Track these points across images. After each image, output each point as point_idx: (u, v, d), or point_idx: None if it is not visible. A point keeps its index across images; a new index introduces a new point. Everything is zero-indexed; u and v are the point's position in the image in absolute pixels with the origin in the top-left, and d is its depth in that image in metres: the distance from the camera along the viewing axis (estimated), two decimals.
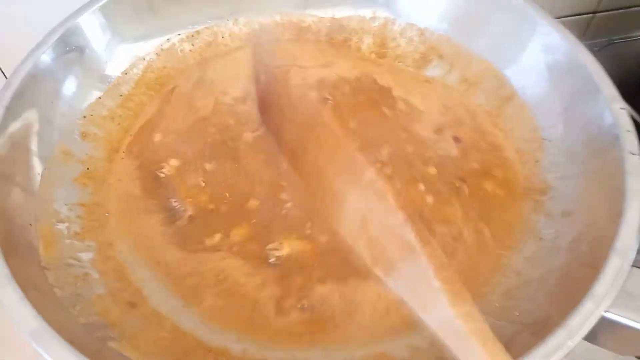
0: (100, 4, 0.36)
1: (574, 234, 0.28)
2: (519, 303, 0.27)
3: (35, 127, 0.31)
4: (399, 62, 0.44)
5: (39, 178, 0.31)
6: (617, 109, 0.31)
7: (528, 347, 0.21)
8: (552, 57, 0.36)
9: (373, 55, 0.45)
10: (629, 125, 0.30)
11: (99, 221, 0.32)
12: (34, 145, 0.31)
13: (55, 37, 0.34)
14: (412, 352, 0.26)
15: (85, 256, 0.29)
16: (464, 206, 0.33)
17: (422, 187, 0.33)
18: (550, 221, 0.31)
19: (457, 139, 0.37)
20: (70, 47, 0.35)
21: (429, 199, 0.33)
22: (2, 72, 0.44)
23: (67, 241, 0.29)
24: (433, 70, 0.43)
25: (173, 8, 0.41)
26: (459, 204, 0.33)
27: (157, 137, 0.37)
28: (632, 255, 0.24)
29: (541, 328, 0.23)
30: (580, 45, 0.35)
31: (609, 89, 0.32)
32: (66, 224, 0.30)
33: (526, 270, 0.29)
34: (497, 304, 0.27)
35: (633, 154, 0.29)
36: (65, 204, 0.31)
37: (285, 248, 0.31)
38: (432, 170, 0.35)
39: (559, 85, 0.35)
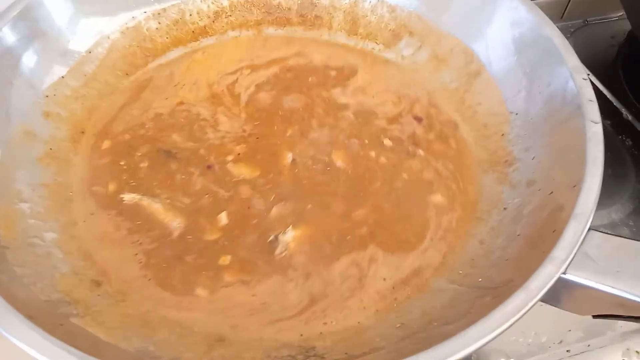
0: None
1: (537, 202, 0.29)
2: (482, 270, 0.27)
3: None
4: (369, 40, 0.44)
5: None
6: (580, 79, 0.31)
7: (488, 309, 0.22)
8: (518, 31, 0.36)
9: (344, 33, 0.44)
10: (591, 95, 0.30)
11: (62, 201, 0.31)
12: None
13: (14, 13, 0.33)
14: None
15: (49, 236, 0.29)
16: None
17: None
18: (515, 191, 0.31)
19: (418, 118, 0.37)
20: (31, 22, 0.34)
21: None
22: None
23: (30, 221, 0.29)
24: (404, 48, 0.43)
25: None
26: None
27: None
28: (590, 219, 0.25)
29: (503, 291, 0.23)
30: (545, 18, 0.35)
31: (573, 60, 0.33)
32: (28, 204, 0.30)
33: (490, 238, 0.29)
34: (461, 272, 0.28)
35: (594, 122, 0.29)
36: (28, 184, 0.31)
37: None
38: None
39: (524, 58, 0.36)
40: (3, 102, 0.31)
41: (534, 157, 0.32)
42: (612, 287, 0.23)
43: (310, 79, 0.40)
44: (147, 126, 0.36)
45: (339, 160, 0.35)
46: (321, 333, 0.26)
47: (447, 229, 0.31)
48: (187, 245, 0.30)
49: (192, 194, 0.32)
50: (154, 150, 0.35)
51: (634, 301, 0.22)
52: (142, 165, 0.33)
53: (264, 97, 0.39)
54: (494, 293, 0.24)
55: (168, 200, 0.32)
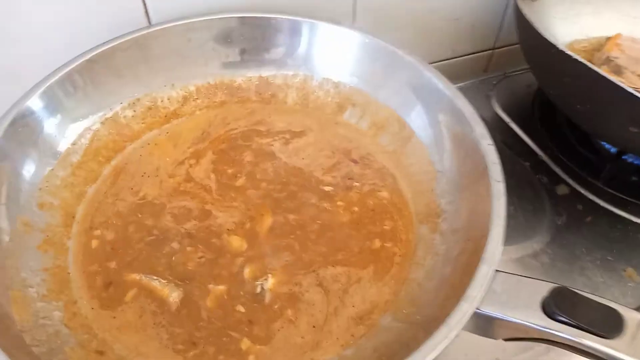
0: (42, 89, 0.41)
1: (459, 248, 0.36)
2: (420, 309, 0.34)
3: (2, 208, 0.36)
4: (320, 110, 0.51)
5: (5, 252, 0.34)
6: (486, 145, 0.39)
7: (419, 343, 0.28)
8: (438, 104, 0.44)
9: (298, 107, 0.52)
10: (494, 158, 0.38)
11: (62, 282, 0.36)
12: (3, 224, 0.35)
13: (5, 124, 0.38)
14: None
15: (56, 315, 0.33)
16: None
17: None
18: (444, 239, 0.38)
19: (354, 161, 0.45)
20: (24, 132, 0.39)
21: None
22: None
23: (38, 304, 0.34)
24: (349, 117, 0.50)
25: (114, 82, 0.47)
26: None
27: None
28: (497, 262, 0.32)
29: (431, 327, 0.29)
30: (459, 94, 0.43)
31: (480, 129, 0.40)
32: (34, 289, 0.34)
33: (425, 281, 0.36)
34: (404, 311, 0.34)
35: (497, 181, 0.37)
36: (31, 270, 0.35)
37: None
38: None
39: (444, 126, 0.44)
40: (9, 202, 0.36)
41: (456, 209, 0.39)
42: (512, 317, 0.29)
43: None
44: (135, 209, 0.41)
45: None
46: None
47: (392, 273, 0.38)
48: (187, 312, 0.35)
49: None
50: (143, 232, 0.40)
51: (527, 326, 0.29)
52: (136, 245, 0.38)
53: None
54: (425, 328, 0.30)
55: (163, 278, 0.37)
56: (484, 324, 0.31)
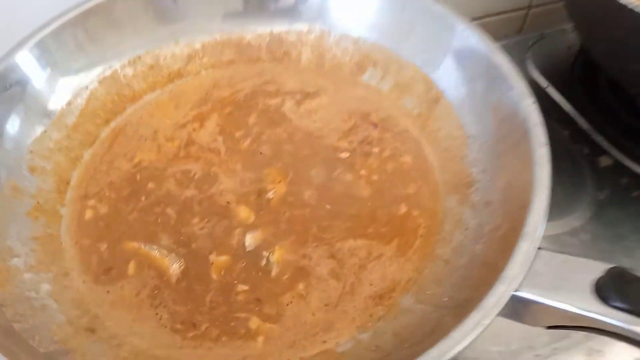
0: (36, 39, 0.37)
1: (494, 222, 0.31)
2: (446, 290, 0.30)
3: None
4: (337, 71, 0.46)
5: None
6: (527, 105, 0.34)
7: (449, 329, 0.24)
8: (471, 59, 0.39)
9: (313, 66, 0.47)
10: (538, 120, 0.33)
11: (53, 253, 0.33)
12: None
13: None
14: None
15: (43, 288, 0.30)
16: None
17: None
18: (475, 212, 0.34)
19: (373, 124, 0.40)
20: (10, 85, 0.36)
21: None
22: None
23: (25, 275, 0.31)
24: (369, 79, 0.45)
25: (112, 36, 0.43)
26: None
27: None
28: (539, 239, 0.27)
29: (461, 311, 0.25)
30: (495, 47, 0.38)
31: (520, 87, 0.35)
32: (22, 259, 0.32)
33: (454, 258, 0.32)
34: (428, 292, 0.30)
35: (541, 146, 0.32)
36: (19, 239, 0.32)
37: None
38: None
39: (477, 85, 0.38)
40: None
41: (490, 179, 0.35)
42: (558, 302, 0.25)
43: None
44: (129, 177, 0.38)
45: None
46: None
47: (416, 247, 0.34)
48: (188, 285, 0.32)
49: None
50: (138, 201, 0.36)
51: (576, 313, 0.25)
52: (130, 216, 0.35)
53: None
54: (454, 312, 0.26)
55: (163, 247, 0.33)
56: (522, 310, 0.26)
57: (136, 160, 0.39)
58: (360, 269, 0.32)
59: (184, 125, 0.41)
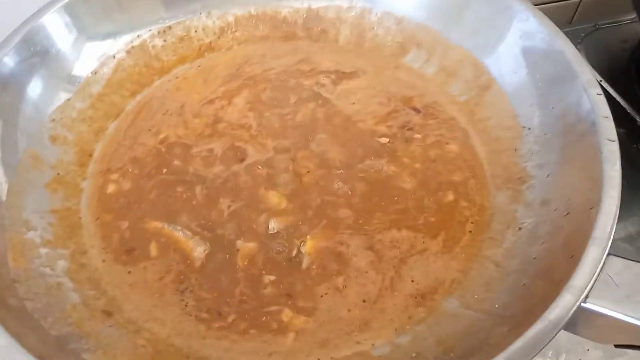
0: (65, 2, 0.35)
1: (552, 223, 0.28)
2: (498, 295, 0.27)
3: (1, 132, 0.30)
4: (377, 51, 0.43)
5: (6, 186, 0.30)
6: (595, 95, 0.31)
7: (507, 342, 0.21)
8: (529, 44, 0.36)
9: (351, 46, 0.44)
10: (606, 111, 0.30)
11: (71, 228, 0.31)
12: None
13: (17, 39, 0.33)
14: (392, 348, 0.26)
15: (59, 265, 0.28)
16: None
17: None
18: (529, 210, 0.31)
19: (415, 109, 0.37)
20: (34, 49, 0.34)
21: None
22: None
23: (40, 250, 0.29)
24: (411, 61, 0.42)
25: (142, 3, 0.40)
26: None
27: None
28: (609, 243, 0.24)
29: (520, 321, 0.22)
30: (557, 31, 0.34)
31: (586, 75, 0.32)
32: (38, 232, 0.30)
33: (505, 261, 0.29)
34: (476, 296, 0.27)
35: (610, 140, 0.28)
36: (36, 212, 0.31)
37: None
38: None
39: (536, 72, 0.35)
40: (10, 128, 0.31)
41: (548, 175, 0.31)
42: (634, 318, 0.22)
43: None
44: (154, 153, 0.36)
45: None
46: None
47: (463, 244, 0.30)
48: (214, 271, 0.29)
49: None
50: (162, 178, 0.34)
51: None
52: (154, 194, 0.33)
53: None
54: (511, 323, 0.23)
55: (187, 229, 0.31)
56: (589, 323, 0.23)
57: (162, 136, 0.36)
58: (400, 262, 0.29)
59: (212, 101, 0.39)
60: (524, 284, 0.26)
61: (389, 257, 0.29)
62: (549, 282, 0.24)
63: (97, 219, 0.32)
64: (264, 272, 0.29)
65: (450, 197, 0.32)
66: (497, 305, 0.26)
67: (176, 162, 0.35)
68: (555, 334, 0.21)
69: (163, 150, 0.36)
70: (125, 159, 0.35)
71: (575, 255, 0.24)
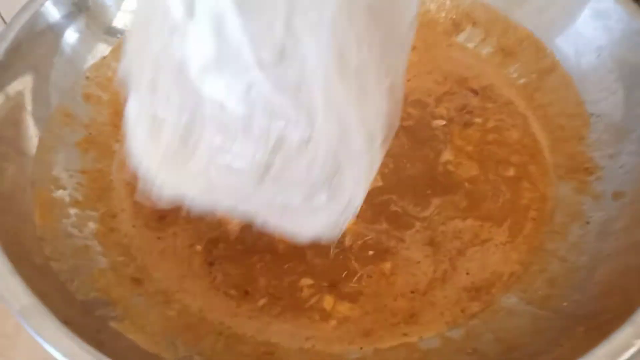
0: None
1: (629, 217, 0.25)
2: (565, 292, 0.24)
3: (33, 85, 0.29)
4: (428, 28, 0.40)
5: (36, 141, 0.28)
6: None
7: (585, 344, 0.19)
8: (603, 23, 0.33)
9: None
10: None
11: (102, 190, 0.29)
12: (30, 105, 0.28)
13: None
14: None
15: (88, 227, 0.27)
16: None
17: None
18: (599, 204, 0.28)
19: (473, 91, 0.35)
20: None
21: None
22: (2, 17, 0.41)
23: (68, 210, 0.27)
24: (465, 40, 0.39)
25: None
26: None
27: None
28: None
29: (600, 323, 0.20)
30: (637, 9, 0.31)
31: None
32: (67, 191, 0.28)
33: (571, 256, 0.26)
34: (540, 292, 0.25)
35: None
36: (66, 170, 0.29)
37: None
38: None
39: (609, 54, 0.32)
40: (43, 81, 0.29)
41: (621, 166, 0.28)
42: None
43: None
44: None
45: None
46: None
47: (526, 234, 0.28)
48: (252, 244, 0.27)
49: None
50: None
51: None
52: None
53: None
54: (589, 323, 0.21)
55: None
56: None
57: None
58: (458, 254, 0.26)
59: None
60: (597, 283, 0.23)
61: (446, 249, 0.27)
62: (631, 281, 0.22)
63: (129, 183, 0.30)
64: (305, 249, 0.27)
65: (512, 172, 0.30)
66: (565, 304, 0.23)
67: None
68: None
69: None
70: None
71: None
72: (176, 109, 0.19)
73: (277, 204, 0.20)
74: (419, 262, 0.26)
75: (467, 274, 0.26)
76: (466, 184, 0.30)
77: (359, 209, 0.20)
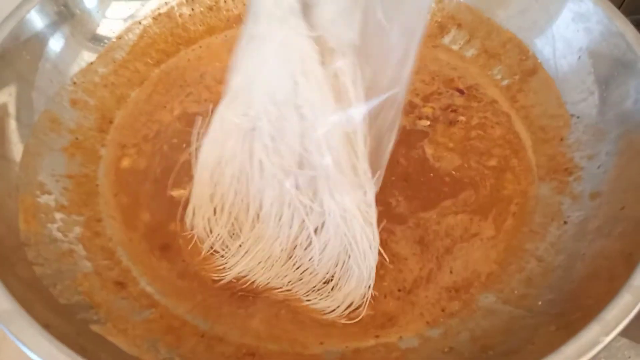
0: None
1: (604, 217, 0.26)
2: (540, 292, 0.24)
3: (18, 91, 0.29)
4: None
5: (21, 147, 0.28)
6: None
7: (555, 342, 0.19)
8: (583, 26, 0.33)
9: None
10: None
11: (87, 195, 0.30)
12: (14, 111, 0.28)
13: None
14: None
15: (73, 231, 0.27)
16: None
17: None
18: (577, 204, 0.28)
19: (459, 90, 0.35)
20: (59, 6, 0.32)
21: None
22: None
23: (54, 214, 0.27)
24: (450, 42, 0.39)
25: None
26: None
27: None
28: None
29: (571, 321, 0.20)
30: (616, 12, 0.31)
31: None
32: (53, 196, 0.28)
33: (548, 256, 0.26)
34: (515, 291, 0.25)
35: None
36: (52, 175, 0.29)
37: None
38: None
39: (589, 56, 0.32)
40: (29, 87, 0.30)
41: (599, 166, 0.29)
42: None
43: None
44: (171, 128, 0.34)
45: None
46: None
47: (507, 229, 0.28)
48: None
49: None
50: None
51: None
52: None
53: None
54: (560, 322, 0.21)
55: None
56: None
57: (176, 112, 0.35)
58: (445, 252, 0.27)
59: None
60: (571, 282, 0.24)
61: (435, 248, 0.27)
62: (602, 281, 0.22)
63: (114, 185, 0.31)
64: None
65: (494, 162, 0.31)
66: (540, 303, 0.24)
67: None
68: (613, 337, 0.19)
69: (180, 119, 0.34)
70: (138, 138, 0.34)
71: (633, 252, 0.22)
72: None
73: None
74: (406, 259, 0.27)
75: (451, 272, 0.26)
76: (453, 172, 0.31)
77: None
